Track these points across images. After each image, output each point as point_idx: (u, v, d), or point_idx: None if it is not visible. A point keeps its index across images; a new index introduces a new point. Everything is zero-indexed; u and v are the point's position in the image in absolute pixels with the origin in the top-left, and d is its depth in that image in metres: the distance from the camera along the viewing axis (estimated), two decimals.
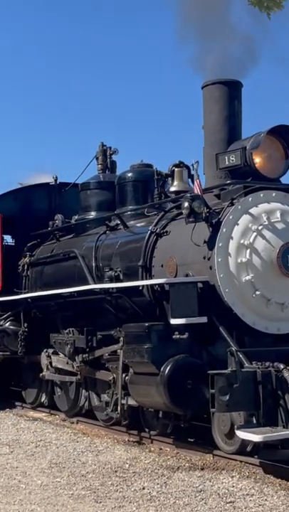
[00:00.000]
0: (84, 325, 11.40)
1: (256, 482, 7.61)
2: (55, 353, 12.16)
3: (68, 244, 12.57)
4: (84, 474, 8.32)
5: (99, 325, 11.21)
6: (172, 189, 10.71)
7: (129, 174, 11.66)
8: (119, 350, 10.20)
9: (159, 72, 37.46)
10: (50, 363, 12.20)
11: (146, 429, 10.06)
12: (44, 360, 12.40)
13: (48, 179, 15.06)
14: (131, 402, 9.71)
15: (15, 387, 14.94)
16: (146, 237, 10.08)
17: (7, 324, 13.64)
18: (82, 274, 11.38)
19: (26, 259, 13.63)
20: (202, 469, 8.30)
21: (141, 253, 10.07)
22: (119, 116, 37.95)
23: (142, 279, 9.97)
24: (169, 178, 10.85)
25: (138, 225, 10.94)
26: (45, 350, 12.43)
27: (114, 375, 10.12)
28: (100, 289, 10.66)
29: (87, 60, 37.80)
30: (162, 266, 9.67)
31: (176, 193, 10.55)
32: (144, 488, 7.59)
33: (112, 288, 10.42)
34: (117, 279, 10.50)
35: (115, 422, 10.50)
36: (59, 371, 12.16)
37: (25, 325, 13.29)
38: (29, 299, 13.18)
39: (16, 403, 14.22)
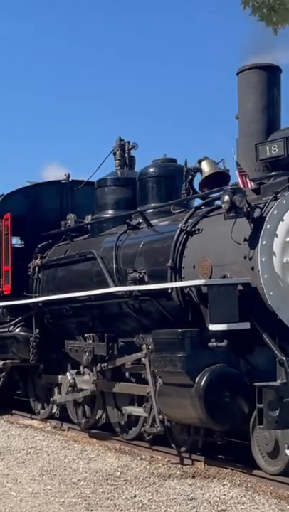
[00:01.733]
0: (102, 331, 10.67)
1: (247, 490, 7.48)
2: (79, 374, 11.21)
3: (84, 244, 11.76)
4: (75, 482, 8.28)
5: (119, 331, 10.45)
6: (205, 174, 9.93)
7: (152, 169, 10.83)
8: (143, 359, 9.41)
9: (170, 67, 36.81)
10: (74, 384, 11.21)
11: (173, 446, 9.25)
12: (66, 383, 11.39)
13: (59, 176, 14.34)
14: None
15: (20, 397, 14.17)
16: (176, 236, 9.25)
17: (17, 330, 12.88)
18: (101, 276, 10.57)
19: (37, 261, 12.84)
20: (193, 477, 8.19)
21: (169, 253, 9.25)
22: (137, 112, 37.28)
23: (171, 281, 9.14)
24: (198, 173, 10.09)
25: (162, 223, 10.15)
26: (70, 373, 11.41)
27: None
28: (125, 292, 9.82)
29: (104, 51, 37.11)
30: (194, 267, 8.85)
31: (211, 175, 9.76)
32: (135, 496, 7.53)
33: (137, 291, 9.58)
34: (142, 282, 9.68)
35: (156, 436, 9.45)
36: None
37: (37, 331, 12.50)
38: (40, 303, 12.36)
39: (24, 414, 13.40)
